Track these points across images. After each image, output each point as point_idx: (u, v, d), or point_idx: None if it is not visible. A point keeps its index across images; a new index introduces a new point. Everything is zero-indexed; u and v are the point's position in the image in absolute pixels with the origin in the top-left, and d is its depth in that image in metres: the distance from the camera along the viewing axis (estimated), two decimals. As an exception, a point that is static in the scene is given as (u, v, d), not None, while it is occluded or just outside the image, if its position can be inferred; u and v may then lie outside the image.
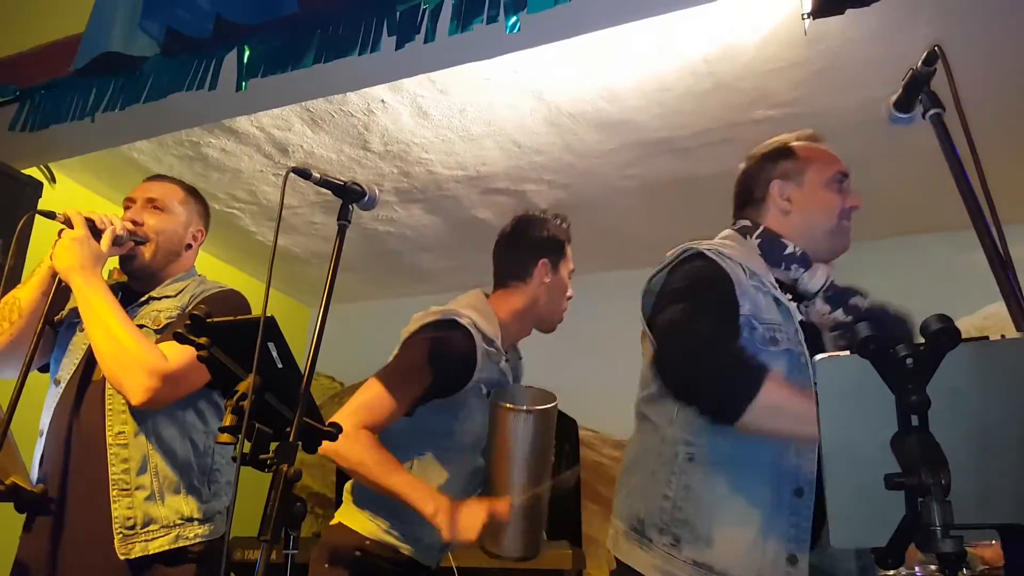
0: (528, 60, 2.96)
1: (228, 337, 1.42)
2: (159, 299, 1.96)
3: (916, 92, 1.20)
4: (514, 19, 1.95)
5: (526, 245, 2.13)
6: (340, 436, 1.37)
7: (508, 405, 1.81)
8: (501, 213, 4.27)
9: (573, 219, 4.52)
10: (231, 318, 1.48)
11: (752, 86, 3.10)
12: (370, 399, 1.79)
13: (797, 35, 2.78)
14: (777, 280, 1.57)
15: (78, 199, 4.01)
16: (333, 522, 1.93)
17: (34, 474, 1.85)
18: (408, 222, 4.44)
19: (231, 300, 1.98)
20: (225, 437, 1.31)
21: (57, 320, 1.99)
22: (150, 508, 1.78)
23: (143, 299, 1.97)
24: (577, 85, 3.17)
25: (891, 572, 1.77)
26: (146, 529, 1.76)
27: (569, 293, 2.13)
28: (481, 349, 1.89)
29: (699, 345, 1.41)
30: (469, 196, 4.08)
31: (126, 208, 2.03)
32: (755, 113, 3.25)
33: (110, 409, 1.82)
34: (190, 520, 1.81)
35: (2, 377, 1.84)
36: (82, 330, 1.89)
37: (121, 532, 1.74)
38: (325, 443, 1.35)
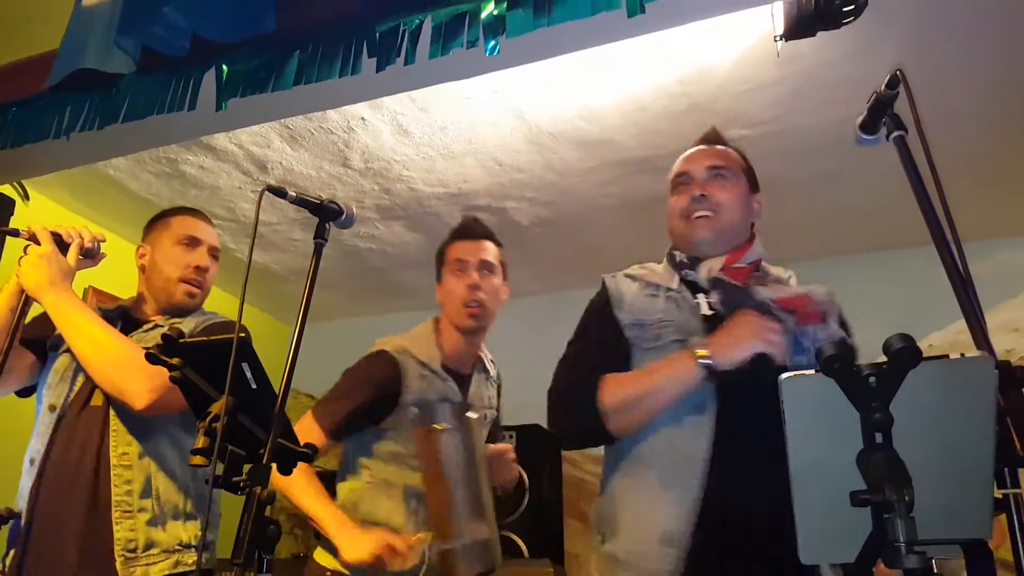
0: (508, 80, 2.99)
1: (201, 357, 1.41)
2: (163, 326, 1.95)
3: (880, 115, 1.23)
4: (493, 42, 1.96)
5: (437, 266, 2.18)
6: None
7: (420, 428, 1.85)
8: (481, 230, 4.29)
9: (554, 236, 4.57)
10: (204, 338, 1.47)
11: (726, 107, 3.14)
12: (301, 428, 1.89)
13: (770, 56, 2.83)
14: (688, 282, 1.68)
15: (53, 216, 3.98)
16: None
17: (21, 503, 1.82)
18: (389, 239, 4.45)
19: (231, 329, 1.98)
20: (198, 459, 1.30)
21: (50, 346, 1.97)
22: (152, 532, 1.78)
23: (149, 326, 1.98)
24: (557, 104, 3.20)
25: None
26: (147, 553, 1.77)
27: (460, 293, 2.03)
28: (412, 372, 1.95)
29: (553, 392, 1.68)
30: (451, 213, 4.09)
31: (184, 243, 2.03)
32: (729, 132, 3.23)
33: (115, 430, 1.82)
34: (188, 547, 1.82)
35: None
36: (69, 352, 1.87)
37: (123, 555, 1.74)
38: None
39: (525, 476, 2.11)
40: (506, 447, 1.96)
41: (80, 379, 1.88)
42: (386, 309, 5.36)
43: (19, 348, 1.92)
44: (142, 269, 2.10)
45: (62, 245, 1.84)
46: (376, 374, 1.97)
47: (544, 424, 2.29)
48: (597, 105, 3.19)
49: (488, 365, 2.18)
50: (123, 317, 2.03)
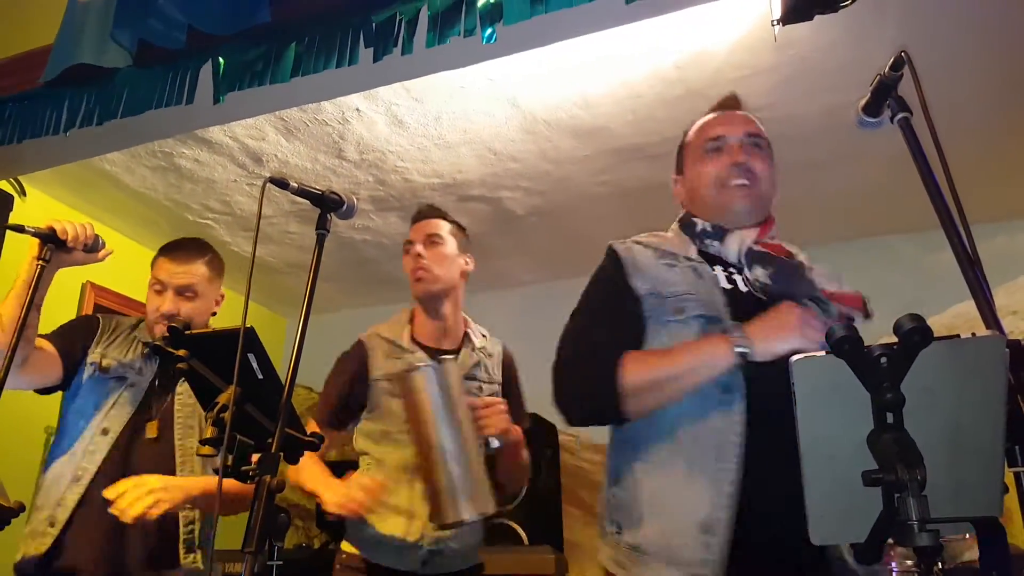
0: (503, 68, 2.98)
1: (207, 349, 1.42)
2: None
3: (884, 97, 1.22)
4: (490, 30, 1.96)
5: None
6: None
7: (404, 371, 1.86)
8: (478, 220, 4.28)
9: (549, 225, 4.56)
10: (210, 329, 1.47)
11: (722, 93, 3.08)
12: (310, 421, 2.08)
13: (766, 42, 2.83)
14: (706, 253, 1.58)
15: (49, 211, 3.96)
16: None
17: (58, 512, 1.94)
18: (385, 230, 4.44)
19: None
20: (206, 449, 1.31)
21: (104, 366, 2.06)
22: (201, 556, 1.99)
23: None
24: (552, 92, 3.19)
25: None
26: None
27: (409, 265, 2.16)
28: (378, 350, 2.12)
29: (562, 364, 1.51)
30: (445, 204, 4.07)
31: (153, 286, 2.11)
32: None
33: (181, 463, 1.99)
34: None
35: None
36: (133, 387, 2.04)
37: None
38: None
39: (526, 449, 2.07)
40: (494, 399, 1.93)
41: (132, 409, 2.02)
42: (381, 300, 5.34)
43: (48, 347, 2.02)
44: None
45: (57, 240, 1.84)
46: (347, 362, 2.14)
47: (541, 413, 2.30)
48: (592, 92, 3.18)
49: (477, 340, 2.18)
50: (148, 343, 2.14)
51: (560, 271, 4.97)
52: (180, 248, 2.15)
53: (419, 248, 2.14)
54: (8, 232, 1.94)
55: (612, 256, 1.61)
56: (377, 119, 3.39)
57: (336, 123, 3.42)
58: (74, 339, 2.08)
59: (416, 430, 1.80)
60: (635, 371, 1.41)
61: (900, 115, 1.18)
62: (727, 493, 1.33)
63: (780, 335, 1.32)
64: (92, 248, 1.91)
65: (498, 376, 2.17)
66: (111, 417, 2.01)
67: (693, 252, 1.57)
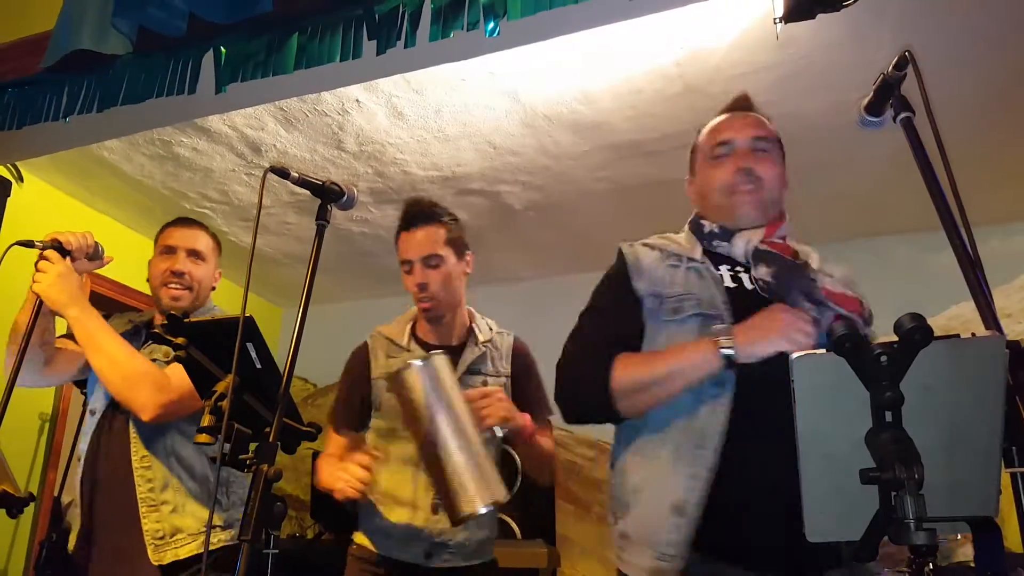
0: (504, 61, 2.97)
1: (205, 337, 1.42)
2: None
3: (887, 96, 1.23)
4: (493, 24, 1.96)
5: None
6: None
7: (396, 371, 1.83)
8: (476, 214, 4.28)
9: (547, 220, 4.57)
10: (208, 318, 1.47)
11: (721, 90, 3.14)
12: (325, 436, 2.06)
13: (765, 40, 2.83)
14: (713, 253, 1.62)
15: (46, 198, 3.95)
16: None
17: (76, 495, 2.07)
18: (383, 223, 4.43)
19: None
20: (203, 437, 1.31)
21: None
22: (175, 519, 1.97)
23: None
24: (552, 87, 3.19)
25: None
26: (175, 538, 1.96)
27: (413, 290, 2.08)
28: (379, 349, 2.12)
29: (562, 363, 1.59)
30: (444, 197, 4.07)
31: (163, 253, 2.17)
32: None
33: (134, 437, 2.00)
34: (214, 527, 1.99)
35: (36, 387, 2.07)
36: None
37: (153, 543, 1.94)
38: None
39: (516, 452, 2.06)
40: (490, 389, 1.90)
41: None
42: (379, 293, 5.35)
43: (70, 345, 2.10)
44: (149, 282, 2.25)
45: (63, 251, 1.94)
46: (352, 364, 2.15)
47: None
48: (593, 88, 3.18)
49: (482, 333, 2.15)
50: (148, 326, 2.20)
51: (558, 267, 4.97)
52: (186, 221, 2.26)
53: (419, 274, 2.05)
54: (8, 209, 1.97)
55: (619, 257, 1.67)
56: (377, 111, 3.38)
57: (336, 114, 3.41)
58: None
59: (413, 427, 1.80)
60: (623, 374, 1.47)
61: (903, 114, 1.18)
62: (703, 477, 1.38)
63: (765, 338, 1.36)
64: (94, 256, 2.01)
65: (506, 369, 2.12)
66: (97, 397, 2.09)
67: (699, 253, 1.60)
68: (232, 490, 2.08)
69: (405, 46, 2.02)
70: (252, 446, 1.29)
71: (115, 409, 2.04)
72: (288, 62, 2.14)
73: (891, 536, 0.92)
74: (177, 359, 1.39)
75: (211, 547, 1.95)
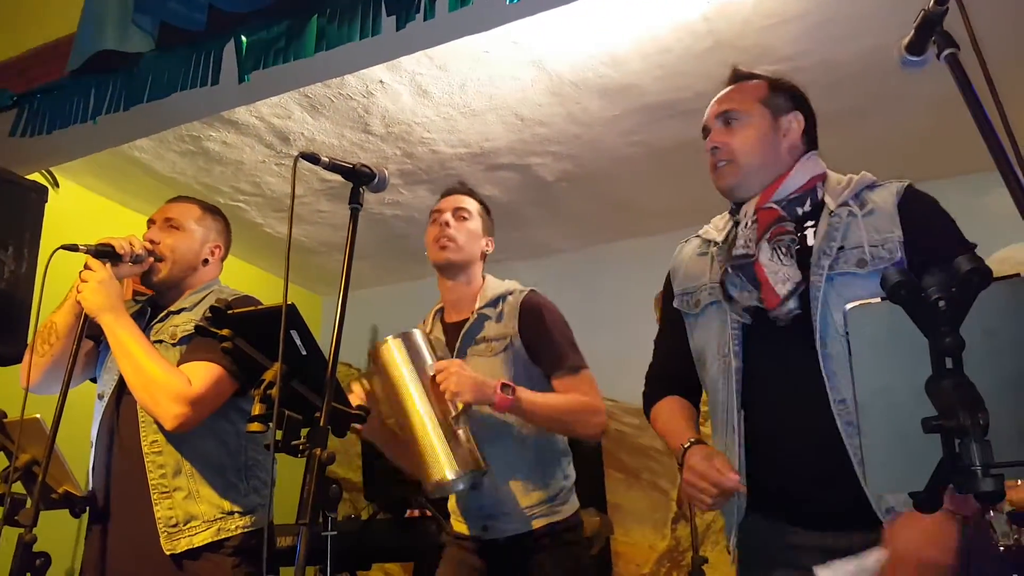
0: (527, 30, 2.93)
1: (250, 327, 1.43)
2: (177, 313, 2.05)
3: (929, 33, 1.17)
4: (514, -12, 1.93)
5: None
6: None
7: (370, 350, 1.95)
8: (508, 189, 4.25)
9: (581, 190, 4.52)
10: (252, 308, 1.48)
11: (752, 43, 3.07)
12: None
13: (796, -13, 2.75)
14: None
15: (82, 201, 4.01)
16: None
17: (90, 483, 2.02)
18: (415, 204, 4.42)
19: (246, 304, 2.01)
20: (256, 426, 1.33)
21: (104, 343, 2.09)
22: (189, 506, 1.89)
23: (163, 314, 2.07)
24: (577, 52, 3.13)
25: None
26: (188, 525, 1.88)
27: (433, 234, 2.20)
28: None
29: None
30: (474, 173, 4.06)
31: (149, 228, 2.15)
32: (756, 70, 3.21)
33: (143, 421, 1.94)
34: (230, 514, 1.92)
35: (49, 393, 1.97)
36: None
37: (165, 531, 1.86)
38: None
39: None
40: (446, 362, 1.90)
41: (118, 369, 2.00)
42: (415, 275, 5.34)
43: (84, 341, 2.06)
44: None
45: (114, 256, 1.95)
46: None
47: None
48: (619, 50, 3.12)
49: (486, 296, 2.15)
50: (151, 304, 2.16)
51: (595, 236, 4.92)
52: (178, 198, 2.25)
53: (447, 217, 2.18)
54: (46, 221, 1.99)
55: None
56: (401, 90, 3.37)
57: (360, 97, 3.40)
58: (97, 328, 2.08)
59: (391, 401, 1.86)
60: (653, 421, 1.72)
61: (947, 51, 1.13)
62: (734, 442, 1.51)
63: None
64: (137, 260, 2.00)
65: (512, 328, 2.09)
66: (104, 381, 2.07)
67: (724, 234, 1.68)
68: (253, 474, 2.01)
69: (425, 18, 2.00)
70: (303, 431, 1.30)
71: (123, 391, 1.98)
72: (308, 45, 2.13)
73: (956, 484, 0.89)
74: (224, 351, 1.40)
75: (228, 534, 1.89)
